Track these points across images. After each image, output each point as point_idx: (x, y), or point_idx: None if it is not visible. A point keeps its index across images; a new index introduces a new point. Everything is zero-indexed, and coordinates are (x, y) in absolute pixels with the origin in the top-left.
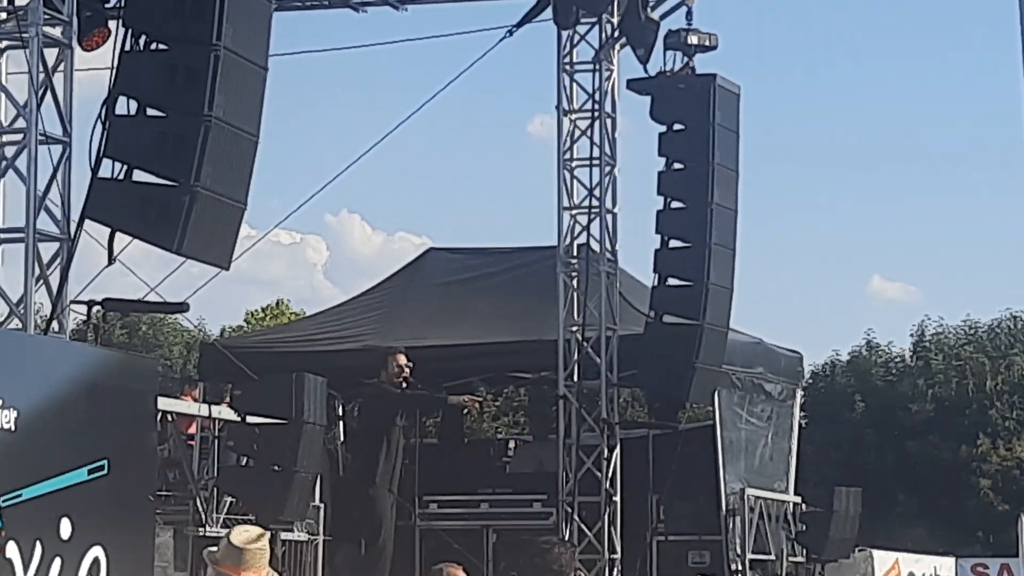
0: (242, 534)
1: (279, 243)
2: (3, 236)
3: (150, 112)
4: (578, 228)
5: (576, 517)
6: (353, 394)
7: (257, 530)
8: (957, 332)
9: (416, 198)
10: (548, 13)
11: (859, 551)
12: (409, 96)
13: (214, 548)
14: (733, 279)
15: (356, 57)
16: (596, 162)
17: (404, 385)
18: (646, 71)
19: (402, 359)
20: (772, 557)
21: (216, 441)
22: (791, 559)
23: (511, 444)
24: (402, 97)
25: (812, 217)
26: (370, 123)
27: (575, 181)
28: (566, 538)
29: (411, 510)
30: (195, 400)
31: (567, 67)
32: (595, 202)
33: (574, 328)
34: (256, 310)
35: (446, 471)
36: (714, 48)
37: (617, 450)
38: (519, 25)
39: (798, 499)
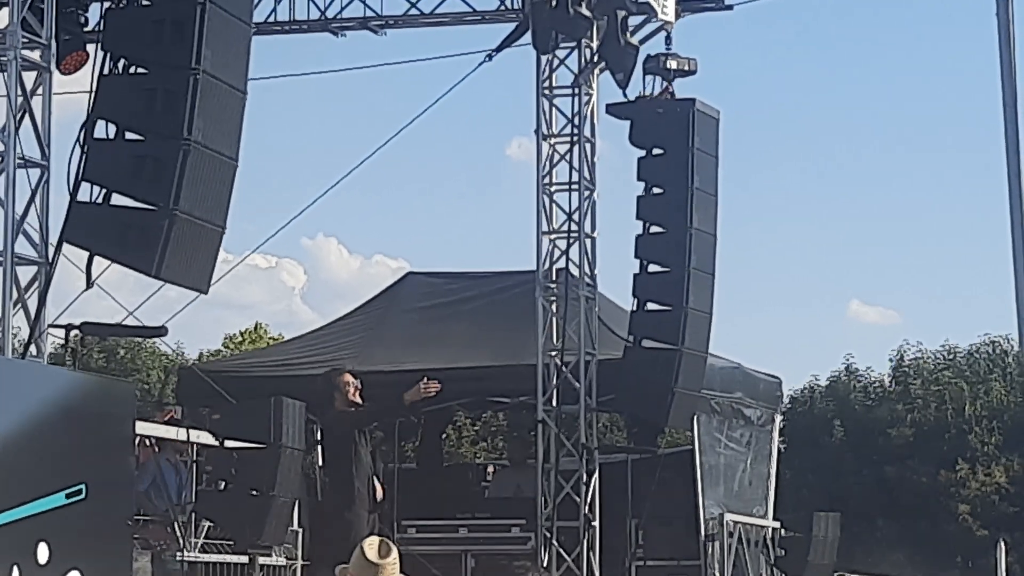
0: (374, 549)
1: (256, 267)
2: None
3: (128, 136)
4: (557, 252)
5: (555, 542)
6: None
7: (382, 541)
8: (936, 357)
9: (393, 221)
10: (527, 38)
11: None
12: (387, 120)
13: (344, 565)
14: (712, 304)
15: (334, 81)
16: (575, 186)
17: (361, 402)
18: (625, 96)
19: (348, 377)
20: None
21: (194, 465)
22: None
23: (490, 469)
24: (380, 121)
25: (791, 242)
26: (347, 147)
27: (554, 205)
28: (544, 563)
29: (389, 535)
30: (170, 423)
31: (546, 91)
32: (574, 226)
33: (553, 353)
34: (234, 334)
35: (424, 496)
36: (693, 73)
37: (596, 475)
38: (498, 49)
39: (777, 524)
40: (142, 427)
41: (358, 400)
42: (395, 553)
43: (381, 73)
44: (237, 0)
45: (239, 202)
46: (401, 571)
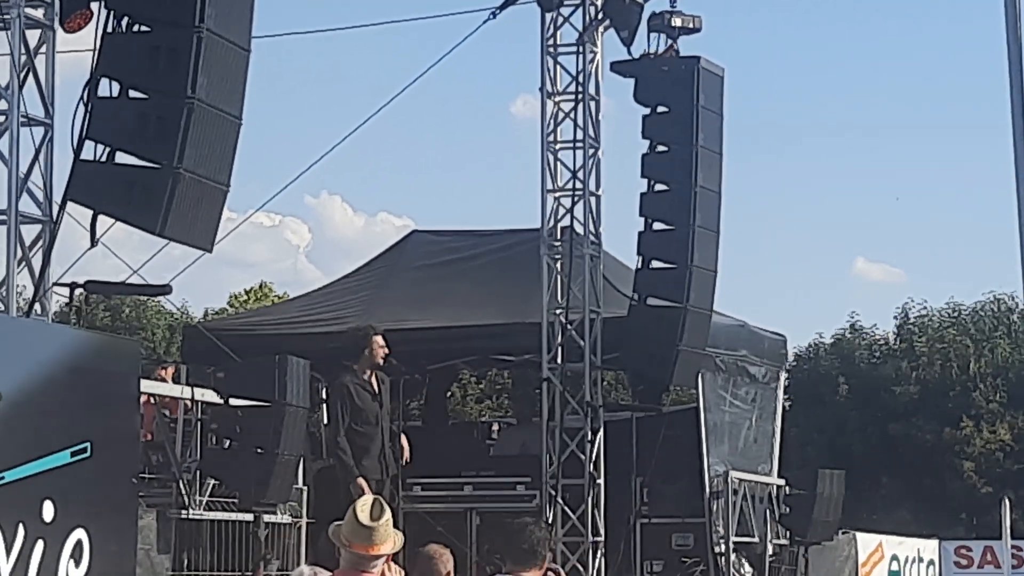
0: (366, 511)
1: (260, 225)
2: None
3: (132, 94)
4: (562, 211)
5: (560, 500)
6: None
7: (375, 501)
8: (941, 315)
9: (398, 179)
10: None
11: (843, 533)
12: (391, 78)
13: (339, 522)
14: (717, 262)
15: (338, 39)
16: (580, 144)
17: (381, 364)
18: (630, 53)
19: (380, 340)
20: (756, 539)
21: (199, 424)
22: (775, 541)
23: (495, 427)
24: (384, 78)
25: (796, 199)
26: (351, 104)
27: (559, 163)
28: (549, 520)
29: (395, 493)
30: (170, 380)
31: (551, 49)
32: (579, 185)
33: (558, 311)
34: (239, 292)
35: (430, 454)
36: (698, 30)
37: (601, 433)
38: (503, 7)
39: (782, 481)
40: (147, 385)
41: (380, 363)
42: (388, 514)
43: (385, 31)
44: None
45: (242, 160)
46: (395, 527)
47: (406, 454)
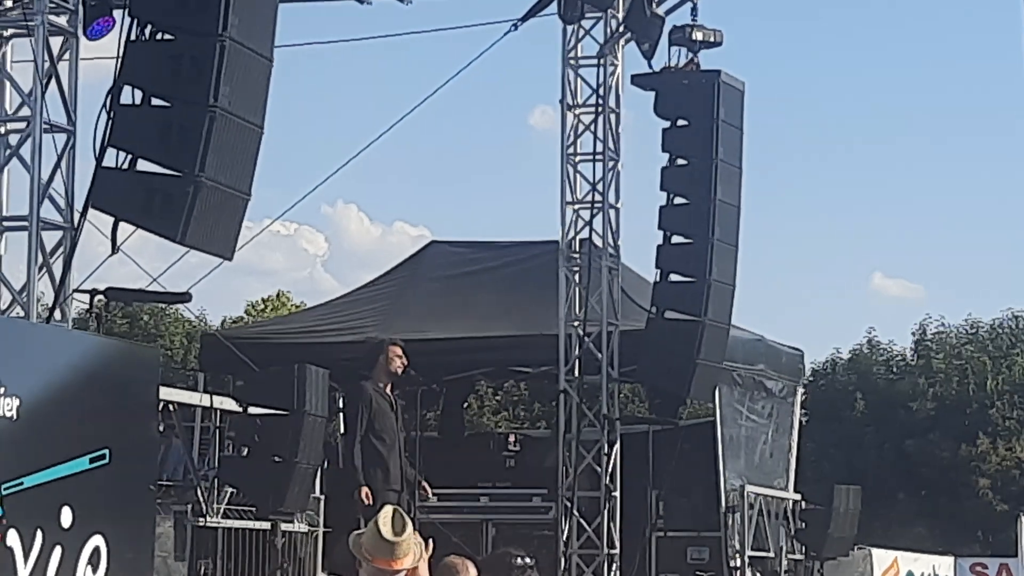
0: (388, 525)
1: (277, 234)
2: (7, 224)
3: (155, 102)
4: (581, 223)
5: (576, 512)
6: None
7: (395, 514)
8: (958, 331)
9: (414, 189)
10: (553, 7)
11: (858, 549)
12: (411, 88)
13: (360, 533)
14: (735, 276)
15: (359, 50)
16: (599, 157)
17: (399, 374)
18: (650, 66)
19: (399, 350)
20: (771, 554)
21: (217, 431)
22: (790, 556)
23: (511, 438)
24: (404, 89)
25: (814, 214)
26: (370, 115)
27: (578, 176)
28: (565, 532)
29: (411, 504)
30: None
31: (571, 62)
32: (598, 197)
33: (575, 323)
34: (257, 301)
35: (446, 465)
36: (719, 44)
37: (617, 445)
38: (524, 19)
39: (798, 496)
40: (166, 393)
41: (398, 374)
42: (410, 527)
43: (406, 42)
44: None
45: (260, 169)
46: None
47: (429, 494)
